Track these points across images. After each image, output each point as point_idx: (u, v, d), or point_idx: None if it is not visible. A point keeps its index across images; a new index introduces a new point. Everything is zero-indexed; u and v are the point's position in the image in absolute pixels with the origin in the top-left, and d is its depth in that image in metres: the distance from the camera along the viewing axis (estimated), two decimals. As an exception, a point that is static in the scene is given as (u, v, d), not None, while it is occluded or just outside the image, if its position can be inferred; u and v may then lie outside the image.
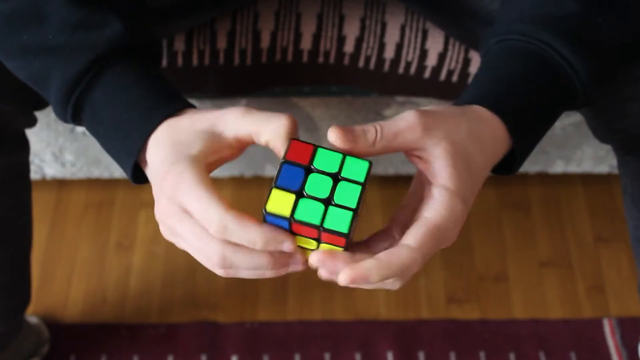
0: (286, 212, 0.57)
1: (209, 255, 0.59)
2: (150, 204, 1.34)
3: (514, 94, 0.65)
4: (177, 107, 0.64)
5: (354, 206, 0.58)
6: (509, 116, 0.63)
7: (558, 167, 1.29)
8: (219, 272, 0.60)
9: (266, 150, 1.23)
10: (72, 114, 0.67)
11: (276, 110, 1.13)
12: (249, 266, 0.59)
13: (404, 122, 0.60)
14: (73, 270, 1.28)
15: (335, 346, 1.19)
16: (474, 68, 0.98)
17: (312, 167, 0.59)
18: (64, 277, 1.27)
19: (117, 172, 1.28)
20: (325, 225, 0.57)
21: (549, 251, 1.31)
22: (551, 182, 1.38)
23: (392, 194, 1.33)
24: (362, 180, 0.58)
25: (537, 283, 1.27)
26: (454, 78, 0.99)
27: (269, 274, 0.59)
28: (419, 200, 0.62)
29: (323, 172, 0.59)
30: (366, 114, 1.17)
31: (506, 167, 0.68)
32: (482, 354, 1.19)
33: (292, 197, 0.58)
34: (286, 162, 0.59)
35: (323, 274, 0.59)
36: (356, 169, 0.59)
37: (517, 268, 1.29)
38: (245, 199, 1.33)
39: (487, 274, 1.28)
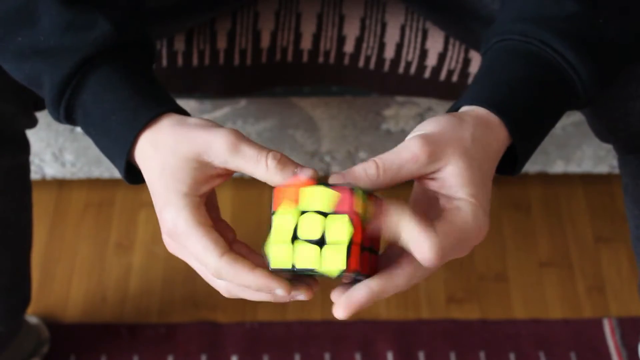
0: (288, 265, 0.58)
1: (215, 286, 0.62)
2: (150, 203, 1.34)
3: (515, 96, 0.65)
4: (163, 109, 0.63)
5: (346, 239, 0.57)
6: (510, 118, 0.63)
7: (558, 167, 1.29)
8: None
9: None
10: (65, 115, 0.67)
11: (276, 110, 1.13)
12: (254, 299, 0.61)
13: (407, 153, 0.59)
14: (73, 270, 1.28)
15: (335, 346, 1.19)
16: (474, 68, 0.98)
17: (302, 212, 0.58)
18: (64, 277, 1.27)
19: (117, 172, 1.27)
20: (322, 269, 0.58)
21: (549, 251, 1.31)
22: (551, 182, 1.38)
23: (392, 194, 1.33)
24: (348, 209, 0.57)
25: (537, 283, 1.27)
26: (454, 78, 0.99)
27: (265, 300, 0.62)
28: (425, 209, 0.62)
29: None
30: (366, 114, 1.17)
31: (508, 168, 0.68)
32: (482, 354, 1.19)
33: (290, 247, 0.58)
34: (276, 213, 0.59)
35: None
36: (342, 199, 0.58)
37: (517, 268, 1.29)
38: (245, 199, 1.33)
39: (487, 274, 1.28)
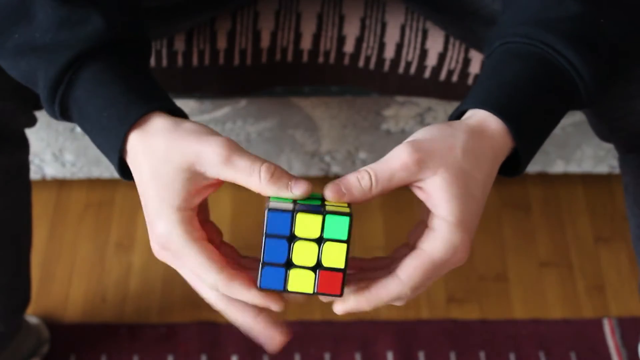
0: (279, 286, 0.59)
1: (205, 296, 0.63)
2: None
3: (518, 98, 0.65)
4: (156, 105, 0.63)
5: (342, 266, 0.59)
6: (513, 120, 0.63)
7: (558, 167, 1.29)
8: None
9: (266, 151, 1.23)
10: (60, 112, 0.66)
11: (276, 110, 1.13)
12: (236, 320, 0.64)
13: (397, 161, 0.60)
14: (73, 270, 1.28)
15: (335, 346, 1.19)
16: (474, 68, 0.98)
17: (295, 236, 0.59)
18: (64, 277, 1.27)
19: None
20: (320, 291, 0.59)
21: (549, 251, 1.31)
22: (551, 182, 1.38)
23: (392, 194, 1.33)
24: (345, 237, 0.59)
25: (537, 283, 1.27)
26: (454, 78, 0.99)
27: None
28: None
29: (306, 239, 0.59)
30: (366, 114, 1.17)
31: (510, 169, 0.68)
32: (482, 354, 1.19)
33: (282, 270, 0.59)
34: (268, 236, 0.59)
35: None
36: (338, 226, 0.59)
37: (517, 268, 1.29)
38: (245, 199, 1.33)
39: (487, 274, 1.28)
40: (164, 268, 1.28)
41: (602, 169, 1.29)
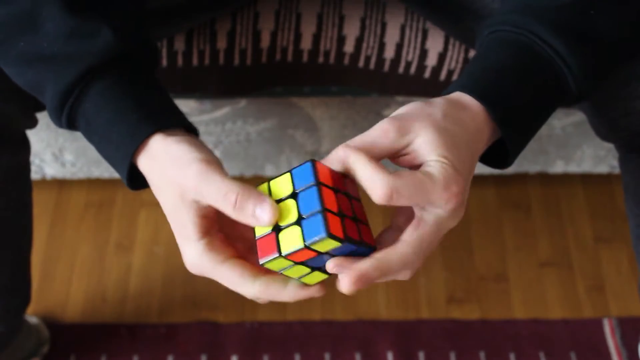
0: (275, 254, 0.59)
1: (246, 294, 0.63)
2: (150, 203, 1.34)
3: (501, 84, 0.64)
4: (164, 123, 0.64)
5: (319, 207, 0.58)
6: (495, 104, 0.63)
7: (558, 167, 1.29)
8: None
9: (266, 151, 1.23)
10: (67, 123, 0.67)
11: (276, 110, 1.13)
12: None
13: (376, 130, 0.60)
14: (73, 270, 1.28)
15: (335, 346, 1.19)
16: (474, 68, 0.98)
17: (278, 200, 0.59)
18: (64, 277, 1.27)
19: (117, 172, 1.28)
20: (307, 243, 0.57)
21: (549, 251, 1.31)
22: (551, 182, 1.38)
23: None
24: (313, 181, 0.58)
25: (537, 283, 1.27)
26: (454, 78, 0.99)
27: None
28: (408, 215, 0.63)
29: (285, 198, 0.59)
30: (366, 114, 1.17)
31: (500, 160, 0.67)
32: (482, 354, 1.19)
33: (273, 236, 0.59)
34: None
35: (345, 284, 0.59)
36: (304, 175, 0.59)
37: (517, 268, 1.29)
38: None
39: (487, 274, 1.28)
40: (164, 268, 1.29)
41: (602, 169, 1.29)
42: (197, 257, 0.62)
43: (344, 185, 0.61)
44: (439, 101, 0.63)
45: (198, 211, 0.61)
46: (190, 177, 0.60)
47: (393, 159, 0.62)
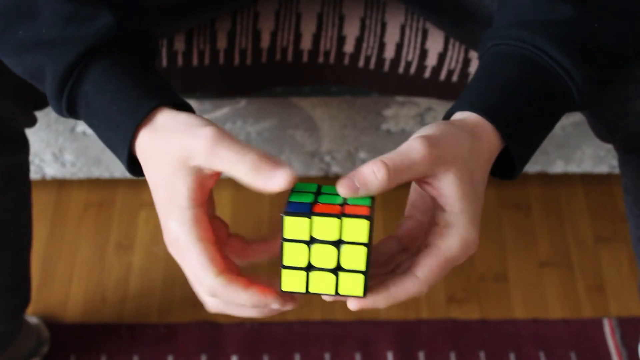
0: (301, 289, 0.59)
1: (203, 300, 0.63)
2: (150, 203, 1.34)
3: (510, 102, 0.65)
4: (164, 100, 0.63)
5: (363, 268, 0.57)
6: (505, 125, 0.63)
7: (558, 167, 1.29)
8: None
9: (266, 151, 1.23)
10: (67, 107, 0.67)
11: (276, 110, 1.12)
12: (240, 314, 0.63)
13: (416, 154, 0.59)
14: (73, 270, 1.28)
15: (335, 346, 1.19)
16: (474, 68, 0.98)
17: (313, 239, 0.57)
18: (64, 277, 1.27)
19: (117, 172, 1.28)
20: (341, 292, 0.58)
21: (549, 251, 1.31)
22: (551, 182, 1.38)
23: (392, 193, 1.33)
24: (365, 240, 0.57)
25: (537, 283, 1.27)
26: (454, 78, 0.99)
27: (255, 315, 0.64)
28: (422, 212, 0.63)
29: (325, 242, 0.57)
30: (366, 114, 1.17)
31: (506, 172, 0.68)
32: (482, 354, 1.19)
33: (303, 273, 0.58)
34: (286, 240, 0.58)
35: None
36: (357, 228, 0.57)
37: (517, 268, 1.29)
38: (245, 199, 1.33)
39: (487, 274, 1.28)
40: (164, 268, 1.29)
41: (602, 169, 1.29)
42: (179, 228, 0.60)
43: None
44: (466, 129, 0.62)
45: (197, 179, 0.60)
46: (204, 138, 0.59)
47: (417, 182, 0.62)
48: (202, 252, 0.60)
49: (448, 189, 0.60)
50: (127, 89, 0.64)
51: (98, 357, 1.18)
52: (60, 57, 0.65)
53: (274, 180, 0.57)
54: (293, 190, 0.60)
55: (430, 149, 0.59)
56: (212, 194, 0.65)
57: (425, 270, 0.60)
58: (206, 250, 0.60)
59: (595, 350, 1.19)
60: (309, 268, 0.58)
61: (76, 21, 0.65)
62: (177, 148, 0.60)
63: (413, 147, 0.59)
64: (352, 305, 0.60)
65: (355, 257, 0.57)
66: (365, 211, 0.57)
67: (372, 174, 0.58)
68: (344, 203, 0.58)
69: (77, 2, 0.66)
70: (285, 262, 0.58)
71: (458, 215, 0.60)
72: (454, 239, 0.60)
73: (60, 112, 0.68)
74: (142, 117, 0.62)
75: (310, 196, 0.59)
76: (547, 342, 1.20)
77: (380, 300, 0.60)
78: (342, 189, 0.58)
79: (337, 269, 0.58)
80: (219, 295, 0.60)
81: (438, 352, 1.19)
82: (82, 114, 0.67)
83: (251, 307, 0.61)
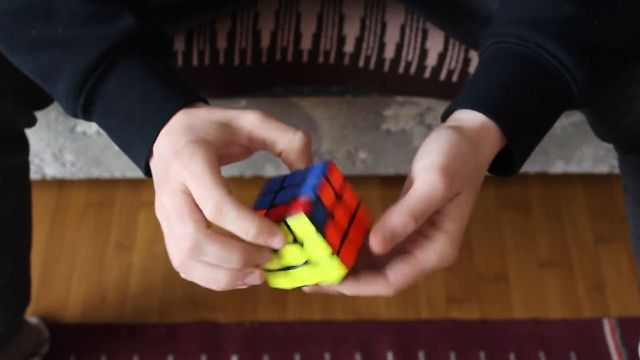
0: (288, 285, 0.61)
1: (181, 236, 0.58)
2: (150, 203, 1.34)
3: (511, 100, 0.65)
4: (191, 98, 0.64)
5: (328, 252, 0.58)
6: (506, 122, 0.64)
7: (558, 167, 1.29)
8: (178, 266, 0.60)
9: (266, 151, 1.23)
10: (84, 106, 0.66)
11: (276, 110, 1.13)
12: (216, 259, 0.58)
13: (438, 195, 0.59)
14: (73, 270, 1.28)
15: (335, 346, 1.19)
16: (473, 68, 0.98)
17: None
18: (64, 277, 1.27)
19: (117, 172, 1.28)
20: (321, 280, 0.60)
21: (549, 251, 1.31)
22: (551, 182, 1.38)
23: (392, 194, 1.33)
24: (313, 232, 0.58)
25: (537, 283, 1.27)
26: (454, 78, 0.99)
27: (223, 282, 0.60)
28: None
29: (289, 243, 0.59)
30: (366, 114, 1.17)
31: (504, 169, 0.68)
32: (482, 354, 1.19)
33: (285, 272, 0.61)
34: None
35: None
36: (300, 224, 0.58)
37: (517, 268, 1.29)
38: (245, 199, 1.33)
39: (487, 274, 1.28)
40: (164, 268, 1.29)
41: (602, 169, 1.29)
42: (194, 152, 0.58)
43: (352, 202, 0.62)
44: (471, 140, 0.62)
45: (230, 136, 0.62)
46: (256, 110, 0.63)
47: None
48: (214, 174, 0.58)
49: (449, 210, 0.61)
50: (153, 88, 0.64)
51: (98, 357, 1.18)
52: (81, 55, 0.65)
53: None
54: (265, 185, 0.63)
55: (450, 185, 0.60)
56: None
57: (398, 276, 0.61)
58: (219, 175, 0.58)
59: (595, 350, 1.19)
60: (287, 268, 0.60)
61: (96, 21, 0.65)
62: (225, 112, 0.63)
63: (435, 189, 0.59)
64: (307, 288, 0.62)
65: (316, 247, 0.58)
66: (302, 205, 0.57)
67: (403, 230, 0.59)
68: (294, 197, 0.59)
69: (97, 2, 0.66)
70: (265, 266, 0.60)
71: (444, 233, 0.61)
72: (434, 254, 0.61)
73: (74, 112, 0.67)
74: (169, 116, 0.63)
75: (270, 197, 0.62)
76: (547, 342, 1.20)
77: (346, 288, 0.62)
78: (378, 248, 0.59)
79: (307, 262, 0.59)
80: (225, 214, 0.57)
81: (438, 352, 1.19)
82: (97, 114, 0.67)
83: (255, 234, 0.58)
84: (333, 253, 0.58)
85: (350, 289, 0.62)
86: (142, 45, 0.67)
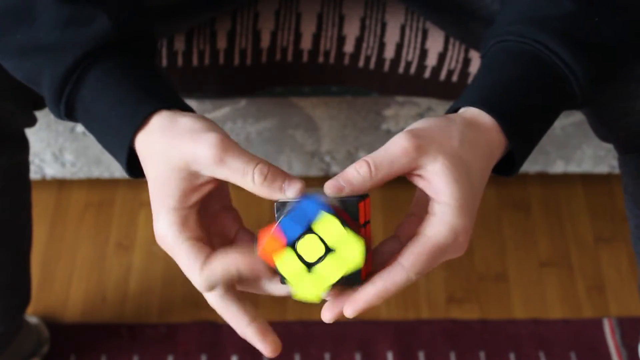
0: (314, 293, 0.62)
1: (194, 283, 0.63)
2: (150, 203, 1.34)
3: (511, 96, 0.65)
4: (164, 103, 0.63)
5: (344, 232, 0.57)
6: (506, 119, 0.63)
7: (558, 167, 1.29)
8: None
9: (266, 151, 1.23)
10: (66, 112, 0.67)
11: (276, 110, 1.12)
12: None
13: (396, 147, 0.60)
14: (73, 270, 1.28)
15: (335, 346, 1.19)
16: (474, 68, 0.98)
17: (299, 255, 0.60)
18: (64, 277, 1.27)
19: (117, 172, 1.28)
20: (345, 270, 0.59)
21: (549, 251, 1.31)
22: (551, 182, 1.38)
23: (392, 194, 1.33)
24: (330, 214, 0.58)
25: (537, 283, 1.27)
26: (454, 78, 0.99)
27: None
28: (425, 209, 0.62)
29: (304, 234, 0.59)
30: (366, 114, 1.17)
31: (505, 168, 0.68)
32: (482, 354, 1.19)
33: (306, 275, 0.60)
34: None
35: (327, 314, 0.65)
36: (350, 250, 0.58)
37: (517, 268, 1.29)
38: (245, 199, 1.33)
39: (487, 274, 1.28)
40: (164, 268, 1.29)
41: (602, 169, 1.29)
42: (166, 227, 0.61)
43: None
44: (458, 121, 0.62)
45: (192, 184, 0.61)
46: (209, 146, 0.59)
47: (408, 177, 0.62)
48: (186, 252, 0.61)
49: (436, 177, 0.60)
50: (125, 93, 0.64)
51: (98, 357, 1.18)
52: (58, 62, 0.65)
53: (287, 192, 0.60)
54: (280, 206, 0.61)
55: (412, 140, 0.59)
56: (227, 185, 0.65)
57: (411, 258, 0.59)
58: (191, 249, 0.61)
59: (595, 350, 1.19)
60: (308, 267, 0.59)
61: (74, 25, 0.65)
62: (178, 152, 0.60)
63: (394, 142, 0.60)
64: (348, 311, 0.62)
65: (332, 229, 0.57)
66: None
67: (355, 172, 0.60)
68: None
69: (74, 5, 0.65)
70: (287, 272, 0.60)
71: (446, 202, 0.59)
72: (440, 226, 0.59)
73: (59, 116, 0.68)
74: (141, 122, 0.62)
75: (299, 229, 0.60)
76: (547, 342, 1.20)
77: (371, 298, 0.61)
78: (329, 190, 0.59)
79: (327, 251, 0.58)
80: (204, 289, 0.62)
81: (438, 352, 1.19)
82: (80, 118, 0.67)
83: (246, 313, 0.64)
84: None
85: (375, 296, 0.61)
86: (117, 48, 0.66)
